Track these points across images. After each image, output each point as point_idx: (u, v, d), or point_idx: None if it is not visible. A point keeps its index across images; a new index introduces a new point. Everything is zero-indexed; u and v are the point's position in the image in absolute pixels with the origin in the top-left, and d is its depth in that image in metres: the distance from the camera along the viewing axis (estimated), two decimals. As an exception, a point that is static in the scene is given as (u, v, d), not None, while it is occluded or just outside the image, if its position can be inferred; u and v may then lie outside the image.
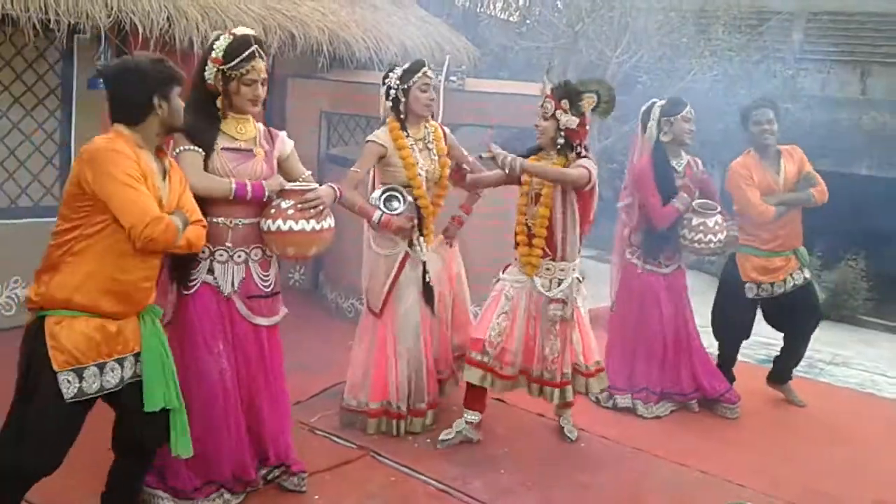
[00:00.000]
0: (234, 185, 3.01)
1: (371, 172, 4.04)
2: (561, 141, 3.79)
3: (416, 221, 3.91)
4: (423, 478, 3.64)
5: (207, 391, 3.06)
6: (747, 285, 4.78)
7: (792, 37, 10.53)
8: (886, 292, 8.40)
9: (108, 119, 2.67)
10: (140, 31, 4.95)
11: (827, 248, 8.52)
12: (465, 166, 4.15)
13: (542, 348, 3.91)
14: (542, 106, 3.82)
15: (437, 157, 4.02)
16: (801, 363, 5.16)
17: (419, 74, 3.91)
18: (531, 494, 3.61)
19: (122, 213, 2.49)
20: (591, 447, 4.16)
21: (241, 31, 3.12)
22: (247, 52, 3.02)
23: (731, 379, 4.91)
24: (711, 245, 4.50)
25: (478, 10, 11.08)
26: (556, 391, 3.94)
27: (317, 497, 3.38)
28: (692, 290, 4.86)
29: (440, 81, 5.86)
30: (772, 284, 4.76)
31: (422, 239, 3.96)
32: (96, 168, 2.49)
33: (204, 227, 2.82)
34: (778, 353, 5.09)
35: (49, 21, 4.62)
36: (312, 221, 3.08)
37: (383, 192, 3.83)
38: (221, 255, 3.10)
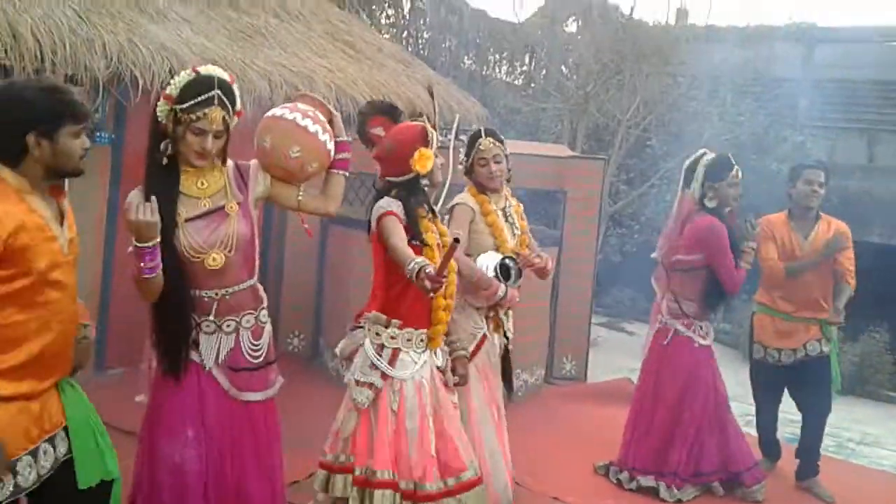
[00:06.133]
0: None
1: None
2: None
3: None
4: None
5: (166, 482, 2.66)
6: (755, 345, 4.61)
7: (799, 103, 10.47)
8: (913, 366, 8.04)
9: None
10: (140, 82, 4.76)
11: (848, 319, 8.21)
12: None
13: None
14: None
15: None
16: (830, 441, 4.83)
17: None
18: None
19: None
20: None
21: (207, 69, 2.61)
22: (204, 96, 2.51)
23: (776, 452, 4.71)
24: None
25: (483, 72, 11.05)
26: None
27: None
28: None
29: (449, 140, 5.68)
30: (779, 351, 4.51)
31: None
32: None
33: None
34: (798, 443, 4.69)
35: (45, 71, 4.39)
36: (318, 127, 2.76)
37: None
38: (209, 325, 2.68)
